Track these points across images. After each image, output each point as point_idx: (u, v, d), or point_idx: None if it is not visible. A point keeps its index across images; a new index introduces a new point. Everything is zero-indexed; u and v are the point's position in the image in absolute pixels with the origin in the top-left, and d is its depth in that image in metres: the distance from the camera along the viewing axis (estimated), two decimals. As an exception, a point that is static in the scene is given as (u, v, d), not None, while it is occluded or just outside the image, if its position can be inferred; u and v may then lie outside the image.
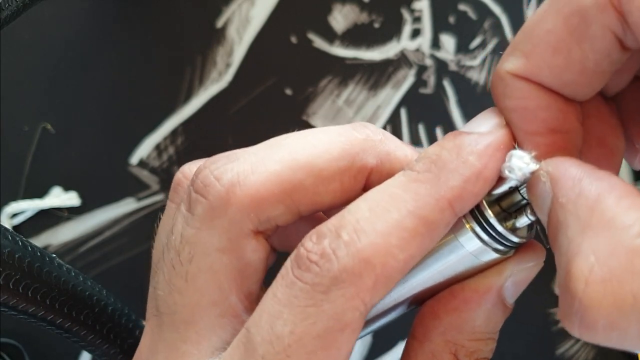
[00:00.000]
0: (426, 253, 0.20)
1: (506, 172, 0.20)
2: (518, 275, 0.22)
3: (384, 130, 0.23)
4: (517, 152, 0.20)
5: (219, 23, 0.49)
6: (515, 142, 0.21)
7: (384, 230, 0.19)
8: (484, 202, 0.21)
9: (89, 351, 0.31)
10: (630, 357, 0.45)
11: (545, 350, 0.46)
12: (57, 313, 0.27)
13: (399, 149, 0.23)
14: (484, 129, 0.21)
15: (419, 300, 0.23)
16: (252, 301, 0.22)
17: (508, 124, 0.21)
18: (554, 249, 0.19)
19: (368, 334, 0.25)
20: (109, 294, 0.31)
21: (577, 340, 0.46)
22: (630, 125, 0.23)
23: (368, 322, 0.23)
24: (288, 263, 0.20)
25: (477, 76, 0.49)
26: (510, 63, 0.21)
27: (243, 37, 0.49)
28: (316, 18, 0.49)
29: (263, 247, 0.22)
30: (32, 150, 0.48)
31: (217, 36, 0.49)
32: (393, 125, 0.48)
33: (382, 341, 0.46)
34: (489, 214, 0.20)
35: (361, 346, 0.46)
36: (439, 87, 0.49)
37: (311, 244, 0.19)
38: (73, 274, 0.29)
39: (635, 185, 0.17)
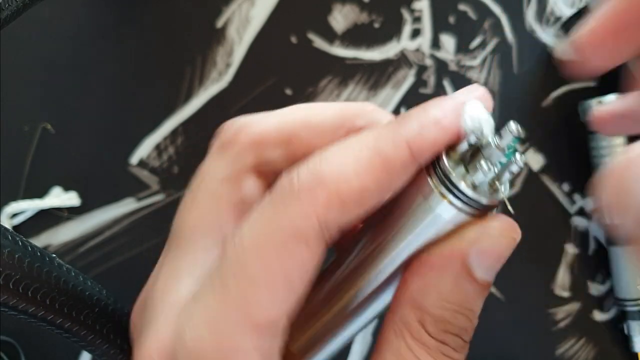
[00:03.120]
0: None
1: (463, 122, 0.21)
2: (482, 244, 0.22)
3: (378, 107, 0.26)
4: (471, 101, 0.21)
5: (219, 23, 0.49)
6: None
7: (342, 159, 0.21)
8: (444, 157, 0.21)
9: (89, 351, 0.30)
10: (630, 356, 0.45)
11: (545, 350, 0.46)
12: (57, 313, 0.27)
13: (387, 117, 0.26)
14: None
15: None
16: None
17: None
18: None
19: (364, 328, 0.25)
20: (109, 294, 0.31)
21: (577, 340, 0.46)
22: None
23: (355, 309, 0.24)
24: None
25: (477, 76, 0.49)
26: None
27: (243, 37, 0.49)
28: (316, 18, 0.49)
29: (261, 186, 0.25)
30: (32, 150, 0.48)
31: (217, 36, 0.49)
32: (393, 125, 0.48)
33: (382, 341, 0.46)
34: (445, 164, 0.21)
35: (361, 346, 0.46)
36: (439, 87, 0.49)
37: (287, 171, 0.22)
38: (73, 274, 0.29)
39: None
